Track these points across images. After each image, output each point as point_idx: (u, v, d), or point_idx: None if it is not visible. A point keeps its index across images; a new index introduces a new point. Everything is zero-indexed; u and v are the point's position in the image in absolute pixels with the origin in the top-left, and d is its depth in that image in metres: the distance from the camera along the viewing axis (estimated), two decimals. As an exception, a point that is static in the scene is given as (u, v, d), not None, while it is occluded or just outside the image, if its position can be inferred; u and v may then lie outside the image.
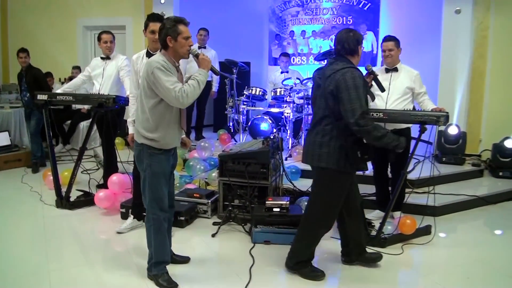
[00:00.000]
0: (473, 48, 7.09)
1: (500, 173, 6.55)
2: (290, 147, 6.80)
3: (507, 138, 6.58)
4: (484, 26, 7.04)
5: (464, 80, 7.06)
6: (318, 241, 3.77)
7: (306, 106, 7.11)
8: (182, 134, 3.74)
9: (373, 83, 3.99)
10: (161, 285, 3.50)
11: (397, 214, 4.78)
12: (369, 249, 4.11)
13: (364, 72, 3.73)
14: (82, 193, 5.60)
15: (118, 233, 4.57)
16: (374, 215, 4.99)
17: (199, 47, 7.57)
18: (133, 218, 4.68)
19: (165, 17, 4.12)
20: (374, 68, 4.03)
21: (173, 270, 3.69)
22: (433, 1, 7.60)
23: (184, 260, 3.96)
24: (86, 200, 5.49)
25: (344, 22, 9.07)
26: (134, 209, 4.69)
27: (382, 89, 4.03)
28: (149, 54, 4.35)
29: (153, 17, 4.28)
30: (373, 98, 3.77)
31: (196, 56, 3.44)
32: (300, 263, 3.74)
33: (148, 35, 4.31)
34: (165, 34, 3.33)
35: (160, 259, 3.54)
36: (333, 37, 9.22)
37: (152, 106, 3.36)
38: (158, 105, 3.35)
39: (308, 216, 3.71)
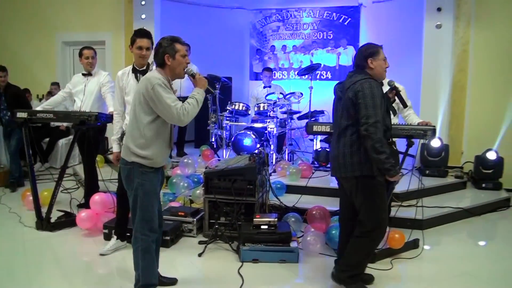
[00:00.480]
0: (454, 62, 7.18)
1: (483, 185, 6.60)
2: (274, 162, 6.76)
3: (489, 150, 6.65)
4: (465, 41, 7.14)
5: (446, 94, 7.13)
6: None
7: (289, 120, 7.10)
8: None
9: (396, 98, 3.94)
10: None
11: (385, 228, 4.75)
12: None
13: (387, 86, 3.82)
14: (63, 213, 5.44)
15: (102, 255, 4.43)
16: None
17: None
18: (117, 238, 4.56)
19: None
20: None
21: None
22: (415, 16, 7.69)
23: (171, 281, 3.85)
24: (68, 220, 5.33)
25: (325, 37, 9.16)
26: (117, 229, 4.57)
27: (404, 105, 3.97)
28: (135, 71, 4.30)
29: (140, 33, 4.23)
30: (394, 113, 3.78)
31: (193, 76, 3.45)
32: (355, 276, 3.66)
33: (135, 51, 4.24)
34: (163, 52, 3.33)
35: (148, 282, 3.44)
36: (313, 51, 9.31)
37: (148, 123, 3.31)
38: (154, 122, 3.32)
39: (365, 225, 3.57)
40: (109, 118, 5.16)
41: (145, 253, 3.41)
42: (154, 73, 3.33)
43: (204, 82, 3.46)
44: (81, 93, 5.63)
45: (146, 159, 3.33)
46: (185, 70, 3.41)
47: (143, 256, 3.40)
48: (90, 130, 5.32)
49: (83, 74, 5.68)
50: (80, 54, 5.65)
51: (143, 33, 4.24)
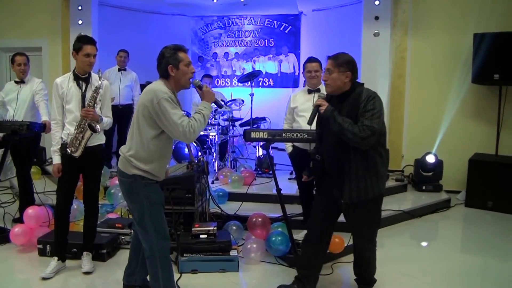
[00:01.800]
0: (392, 68, 7.35)
1: (423, 187, 6.76)
2: (216, 170, 6.69)
3: (428, 153, 6.83)
4: (402, 48, 7.34)
5: (385, 99, 7.24)
6: None
7: (231, 128, 7.05)
8: None
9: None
10: None
11: (325, 233, 4.76)
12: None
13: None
14: (-4, 229, 5.19)
15: (44, 278, 4.15)
16: (302, 236, 4.93)
17: (119, 69, 7.36)
18: (58, 260, 4.28)
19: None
20: (296, 90, 4.00)
21: None
22: (353, 24, 7.84)
23: None
24: (1, 237, 5.05)
25: (266, 45, 9.23)
26: (57, 251, 4.31)
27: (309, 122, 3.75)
28: (77, 78, 4.13)
29: (87, 40, 4.07)
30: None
31: (199, 87, 3.34)
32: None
33: (81, 58, 4.05)
34: (166, 63, 3.20)
35: None
36: (255, 59, 9.34)
37: (153, 137, 3.18)
38: (159, 137, 3.20)
39: None
40: (42, 127, 4.98)
41: (164, 263, 3.33)
42: (160, 86, 3.18)
43: (212, 95, 3.35)
44: (14, 102, 5.41)
45: (148, 172, 3.22)
46: (192, 81, 3.31)
47: (163, 266, 3.32)
48: (23, 141, 5.09)
49: (16, 82, 5.46)
50: (12, 61, 5.42)
51: (89, 40, 4.09)
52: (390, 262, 4.50)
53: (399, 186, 6.74)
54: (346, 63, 3.31)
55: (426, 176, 6.81)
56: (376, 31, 7.20)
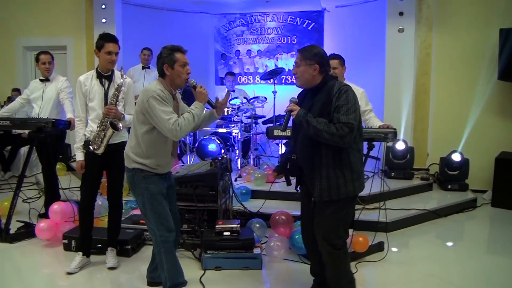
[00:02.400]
0: (417, 65, 7.25)
1: (449, 186, 6.64)
2: (239, 168, 6.69)
3: (454, 151, 6.71)
4: (427, 44, 7.23)
5: (409, 97, 7.18)
6: None
7: (254, 125, 7.04)
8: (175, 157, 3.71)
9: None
10: None
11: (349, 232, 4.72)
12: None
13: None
14: (22, 224, 5.27)
15: (69, 273, 4.20)
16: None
17: (143, 67, 7.41)
18: (82, 255, 4.32)
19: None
20: None
21: None
22: (377, 21, 7.73)
23: None
24: (27, 231, 5.15)
25: (289, 42, 9.17)
26: (82, 246, 4.36)
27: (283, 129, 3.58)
28: (100, 75, 4.17)
29: (109, 38, 4.09)
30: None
31: (194, 88, 3.42)
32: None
33: (103, 56, 4.09)
34: (162, 62, 3.34)
35: (175, 282, 3.50)
36: (278, 56, 9.30)
37: (144, 133, 3.33)
38: (150, 132, 3.33)
39: None
40: (67, 124, 5.04)
41: (167, 254, 3.45)
42: (152, 85, 3.35)
43: (204, 95, 3.42)
44: (39, 99, 5.47)
45: (146, 166, 3.37)
46: (187, 80, 3.39)
47: (167, 257, 3.46)
48: (48, 138, 5.15)
49: (41, 80, 5.52)
50: (37, 60, 5.50)
51: (111, 38, 4.11)
52: (415, 262, 4.45)
53: (424, 185, 6.65)
54: (313, 56, 3.20)
55: (451, 175, 6.70)
56: (400, 27, 7.11)
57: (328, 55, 4.75)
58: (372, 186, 4.82)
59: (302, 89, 3.43)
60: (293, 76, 3.36)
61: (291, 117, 3.25)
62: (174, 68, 3.33)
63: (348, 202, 3.24)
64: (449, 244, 5.12)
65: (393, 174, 6.72)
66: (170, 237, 3.46)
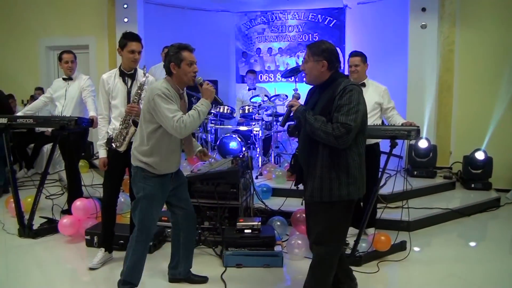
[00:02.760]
0: (440, 62, 7.16)
1: (472, 185, 6.56)
2: (260, 166, 6.69)
3: (477, 150, 6.61)
4: (450, 41, 7.14)
5: (432, 94, 7.10)
6: None
7: (275, 123, 7.03)
8: (191, 153, 3.77)
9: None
10: None
11: (371, 230, 4.69)
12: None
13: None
14: (45, 220, 5.34)
15: (91, 269, 4.25)
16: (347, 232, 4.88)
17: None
18: (104, 251, 4.38)
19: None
20: None
21: None
22: (399, 17, 7.67)
23: (203, 280, 3.91)
24: (50, 227, 5.23)
25: (310, 39, 9.13)
26: (104, 242, 4.41)
27: (282, 124, 3.58)
28: (123, 74, 4.20)
29: (132, 36, 4.12)
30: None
31: (200, 85, 3.41)
32: None
33: (126, 54, 4.11)
34: (169, 61, 3.34)
35: (128, 279, 3.51)
36: (299, 53, 9.27)
37: (151, 132, 3.34)
38: (157, 131, 3.33)
39: None
40: (90, 122, 5.08)
41: (135, 253, 3.48)
42: (158, 83, 3.35)
43: (211, 92, 3.39)
44: (62, 98, 5.54)
45: (148, 165, 3.37)
46: (194, 78, 3.38)
47: (133, 256, 3.48)
48: (71, 135, 5.21)
49: (64, 79, 5.58)
50: (60, 59, 5.56)
51: (134, 37, 4.13)
52: (437, 262, 4.40)
53: (447, 183, 6.57)
54: (321, 52, 3.06)
55: (475, 174, 6.61)
56: (423, 23, 7.03)
57: (350, 52, 4.77)
58: (395, 184, 4.77)
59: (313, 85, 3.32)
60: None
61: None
62: (181, 66, 3.31)
63: (342, 207, 3.05)
64: (472, 244, 5.04)
65: (415, 172, 6.66)
66: (146, 242, 3.51)
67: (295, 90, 3.30)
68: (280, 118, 7.60)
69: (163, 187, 3.48)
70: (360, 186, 3.06)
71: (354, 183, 2.99)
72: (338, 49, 8.66)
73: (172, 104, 3.23)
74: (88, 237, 4.80)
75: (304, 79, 3.27)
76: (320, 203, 3.04)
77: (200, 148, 3.82)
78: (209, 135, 7.12)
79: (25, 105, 8.52)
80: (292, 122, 3.46)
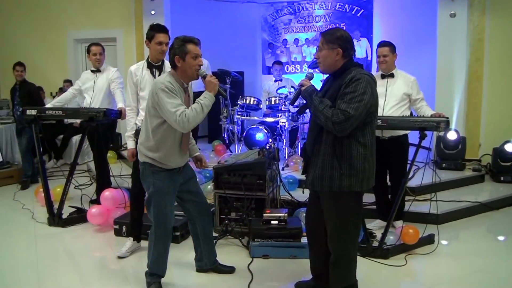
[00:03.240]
0: (470, 51, 7.01)
1: (502, 178, 6.43)
2: (286, 157, 6.68)
3: (507, 142, 6.47)
4: (480, 29, 6.97)
5: (462, 84, 6.97)
6: None
7: (301, 114, 7.00)
8: (193, 153, 3.81)
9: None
10: None
11: (398, 223, 4.65)
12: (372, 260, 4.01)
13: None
14: (74, 209, 5.45)
15: (119, 257, 4.34)
16: (375, 225, 4.87)
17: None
18: (133, 240, 4.46)
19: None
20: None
21: (169, 284, 3.67)
22: (428, 6, 7.53)
23: (230, 270, 3.96)
24: (79, 216, 5.34)
25: (338, 29, 8.98)
26: (133, 231, 4.48)
27: (291, 102, 3.63)
28: (150, 66, 4.22)
29: (159, 28, 4.13)
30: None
31: (204, 77, 3.37)
32: None
33: (153, 46, 4.13)
34: (173, 54, 3.30)
35: (154, 271, 3.59)
36: (326, 44, 9.15)
37: (156, 126, 3.33)
38: (161, 126, 3.32)
39: None
40: (118, 114, 5.14)
41: (156, 248, 3.52)
42: (162, 77, 3.34)
43: (214, 85, 3.35)
44: (91, 90, 5.61)
45: (155, 160, 3.37)
46: (197, 70, 3.35)
47: (155, 249, 3.53)
48: (100, 127, 5.28)
49: (92, 71, 5.66)
50: (88, 51, 5.63)
51: (162, 28, 4.14)
52: (465, 255, 4.35)
53: (476, 176, 6.46)
54: (335, 40, 3.01)
55: (504, 166, 6.48)
56: (452, 12, 6.89)
57: (379, 42, 4.71)
58: (423, 177, 4.71)
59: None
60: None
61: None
62: (186, 59, 3.27)
63: (348, 198, 3.03)
64: (501, 238, 4.94)
65: (444, 164, 6.56)
66: (164, 234, 3.52)
67: (308, 72, 3.26)
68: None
69: (173, 180, 3.47)
70: (365, 179, 3.02)
71: (356, 174, 2.97)
72: (365, 39, 8.66)
73: (176, 98, 3.21)
74: (116, 227, 4.88)
75: (318, 68, 3.24)
76: (325, 194, 3.07)
77: (198, 154, 3.87)
78: (235, 126, 7.13)
79: (54, 97, 8.65)
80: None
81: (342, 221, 3.09)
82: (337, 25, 9.02)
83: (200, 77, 3.38)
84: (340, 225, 3.10)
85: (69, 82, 8.67)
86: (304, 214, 4.80)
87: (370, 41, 8.74)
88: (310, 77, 3.27)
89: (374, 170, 3.13)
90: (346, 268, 3.20)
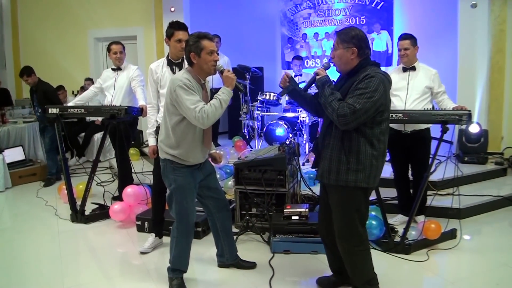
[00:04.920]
0: (491, 42, 6.90)
1: (525, 171, 6.33)
2: (307, 152, 6.66)
3: (530, 134, 6.38)
4: (501, 20, 6.85)
5: (484, 76, 6.87)
6: None
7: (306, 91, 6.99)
8: (211, 150, 3.78)
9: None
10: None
11: (420, 218, 4.62)
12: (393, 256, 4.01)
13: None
14: (97, 206, 5.52)
15: (142, 253, 4.39)
16: (397, 220, 4.84)
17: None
18: (155, 236, 4.50)
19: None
20: (389, 69, 3.83)
21: (191, 279, 3.71)
22: (448, -3, 7.43)
23: (251, 265, 3.98)
24: (101, 213, 5.41)
25: (357, 22, 8.90)
26: (155, 227, 4.53)
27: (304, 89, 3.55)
28: (171, 63, 4.25)
29: (178, 26, 4.14)
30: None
31: (221, 72, 3.38)
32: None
33: (173, 44, 4.15)
34: (189, 51, 3.31)
35: (176, 267, 3.62)
36: (346, 38, 9.07)
37: (175, 124, 3.34)
38: (181, 123, 3.33)
39: None
40: (140, 111, 5.18)
41: (179, 243, 3.55)
42: (179, 74, 3.35)
43: (232, 80, 3.36)
44: (112, 88, 5.67)
45: (176, 157, 3.39)
46: (214, 66, 3.35)
47: (177, 245, 3.56)
48: (121, 124, 5.33)
49: (113, 69, 5.71)
50: (109, 50, 5.68)
51: (181, 26, 4.16)
52: (488, 250, 4.30)
53: (498, 169, 6.36)
54: (350, 39, 3.02)
55: (528, 159, 6.40)
56: (473, 2, 6.77)
57: (400, 35, 4.67)
58: (445, 171, 4.67)
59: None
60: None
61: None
62: (201, 56, 3.28)
63: (352, 193, 3.05)
64: (525, 233, 4.88)
65: (466, 158, 6.48)
66: (189, 230, 3.55)
67: (329, 60, 3.25)
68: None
69: (193, 176, 3.49)
70: (371, 176, 3.03)
71: (363, 170, 3.00)
72: (386, 32, 8.56)
73: (194, 94, 3.22)
74: (139, 223, 4.93)
75: (336, 67, 3.21)
76: (332, 188, 3.10)
77: (214, 151, 3.90)
78: (255, 122, 7.14)
79: (75, 95, 8.76)
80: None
81: (347, 216, 3.11)
82: (357, 18, 8.92)
83: (217, 72, 3.39)
84: (346, 221, 3.13)
85: (90, 81, 8.77)
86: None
87: (391, 33, 8.63)
88: (326, 67, 3.28)
89: (382, 169, 3.14)
90: (359, 266, 3.23)
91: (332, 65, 3.23)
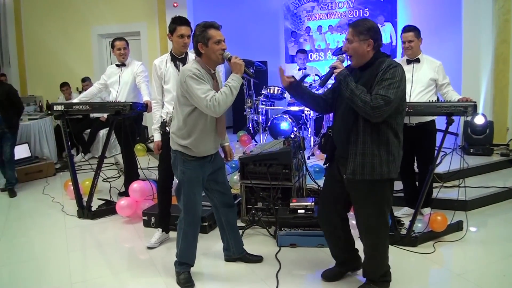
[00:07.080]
0: (496, 33, 6.85)
1: (530, 163, 6.30)
2: (312, 146, 6.66)
3: (536, 125, 6.35)
4: (506, 10, 6.80)
5: (488, 67, 6.84)
6: None
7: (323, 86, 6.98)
8: (223, 142, 3.80)
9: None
10: (179, 282, 3.60)
11: (426, 210, 4.62)
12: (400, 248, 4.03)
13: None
14: (103, 202, 5.54)
15: (149, 248, 4.40)
16: (403, 213, 4.83)
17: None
18: (162, 231, 4.52)
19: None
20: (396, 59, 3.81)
21: (198, 273, 3.73)
22: (452, -13, 7.39)
23: (258, 259, 3.99)
24: (108, 209, 5.43)
25: (361, 15, 8.86)
26: (161, 222, 4.55)
27: (321, 84, 3.64)
28: (174, 58, 4.25)
29: (180, 21, 4.15)
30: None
31: (229, 59, 3.36)
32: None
33: (175, 39, 4.16)
34: (196, 41, 3.32)
35: (184, 261, 3.64)
36: (350, 30, 9.04)
37: (187, 114, 3.34)
38: (192, 113, 3.34)
39: None
40: (144, 107, 5.20)
41: (185, 236, 3.57)
42: (189, 65, 3.35)
43: (240, 66, 3.33)
44: (116, 84, 5.69)
45: (187, 148, 3.39)
46: (222, 55, 3.34)
47: (183, 238, 3.57)
48: (126, 120, 5.35)
49: (117, 65, 5.72)
50: (112, 46, 5.70)
51: (183, 21, 4.16)
52: (494, 242, 4.30)
53: (503, 161, 6.35)
54: (367, 31, 2.98)
55: (533, 151, 6.37)
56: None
57: (403, 27, 4.66)
58: (451, 163, 4.66)
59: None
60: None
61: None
62: (208, 45, 3.27)
63: (383, 185, 3.08)
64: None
65: (471, 150, 6.47)
66: (196, 222, 3.57)
67: (343, 53, 3.20)
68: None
69: (203, 169, 3.50)
70: (398, 165, 3.08)
71: (393, 161, 3.03)
72: (390, 24, 8.52)
73: (204, 84, 3.22)
74: (145, 218, 4.95)
75: (350, 61, 3.18)
76: (361, 182, 3.05)
77: (228, 144, 3.90)
78: (260, 116, 7.14)
79: (80, 92, 8.77)
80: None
81: (378, 209, 3.13)
82: (361, 10, 8.89)
83: (225, 60, 3.38)
84: (376, 214, 3.13)
85: (88, 81, 8.70)
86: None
87: (395, 25, 8.59)
88: (342, 60, 3.21)
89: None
90: (382, 258, 3.27)
91: (346, 59, 3.20)
